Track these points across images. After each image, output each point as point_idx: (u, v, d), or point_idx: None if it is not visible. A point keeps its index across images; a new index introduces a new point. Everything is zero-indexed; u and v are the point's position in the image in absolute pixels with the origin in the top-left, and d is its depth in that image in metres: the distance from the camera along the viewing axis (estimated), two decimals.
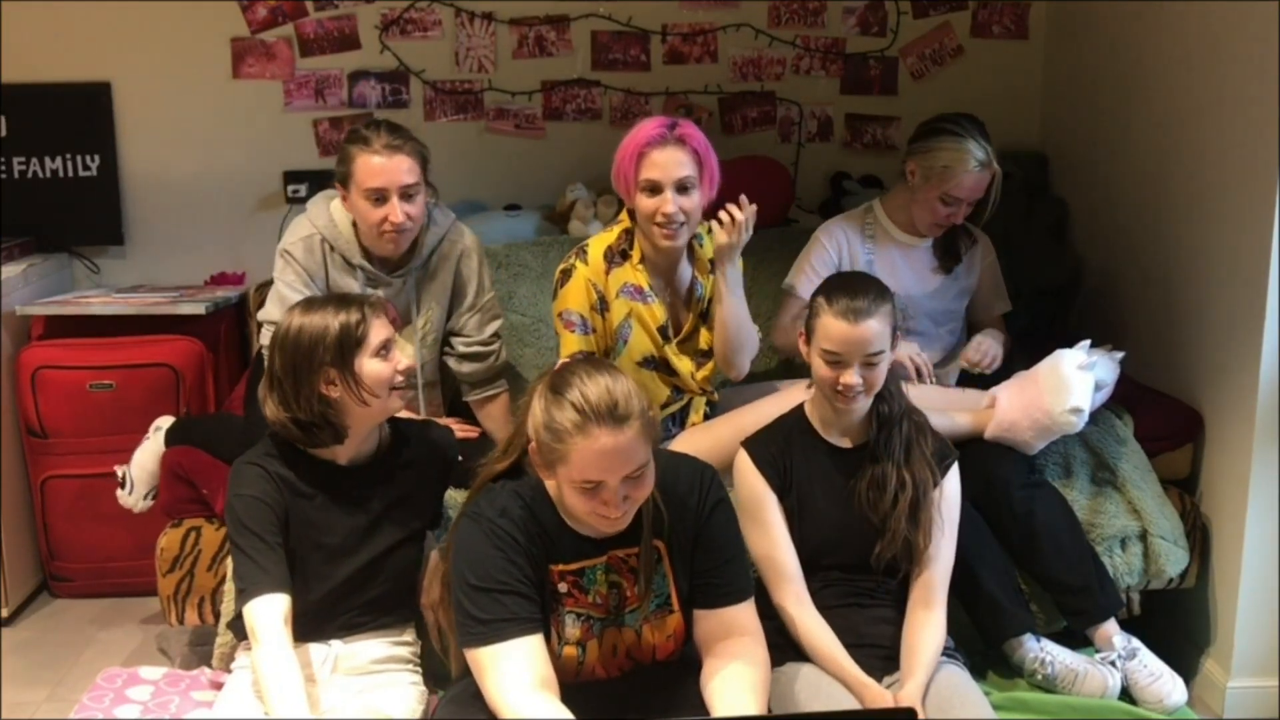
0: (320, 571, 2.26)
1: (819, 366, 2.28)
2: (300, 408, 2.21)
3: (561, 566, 2.03)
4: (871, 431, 2.32)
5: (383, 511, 2.31)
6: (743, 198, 2.58)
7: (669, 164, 2.58)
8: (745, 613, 2.09)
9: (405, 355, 2.25)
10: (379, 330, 2.23)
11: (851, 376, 2.23)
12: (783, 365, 3.25)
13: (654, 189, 2.59)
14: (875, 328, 2.22)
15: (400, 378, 2.24)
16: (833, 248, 2.92)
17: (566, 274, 2.70)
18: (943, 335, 2.98)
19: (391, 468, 2.34)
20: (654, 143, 2.58)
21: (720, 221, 2.59)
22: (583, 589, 2.05)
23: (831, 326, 2.24)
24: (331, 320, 2.21)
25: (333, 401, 2.21)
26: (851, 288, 2.28)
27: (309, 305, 2.28)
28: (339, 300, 2.26)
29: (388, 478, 2.32)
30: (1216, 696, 2.79)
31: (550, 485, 2.03)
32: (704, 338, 2.78)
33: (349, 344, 2.20)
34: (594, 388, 1.90)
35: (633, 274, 2.69)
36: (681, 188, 2.59)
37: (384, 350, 2.23)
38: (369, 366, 2.21)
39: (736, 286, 2.66)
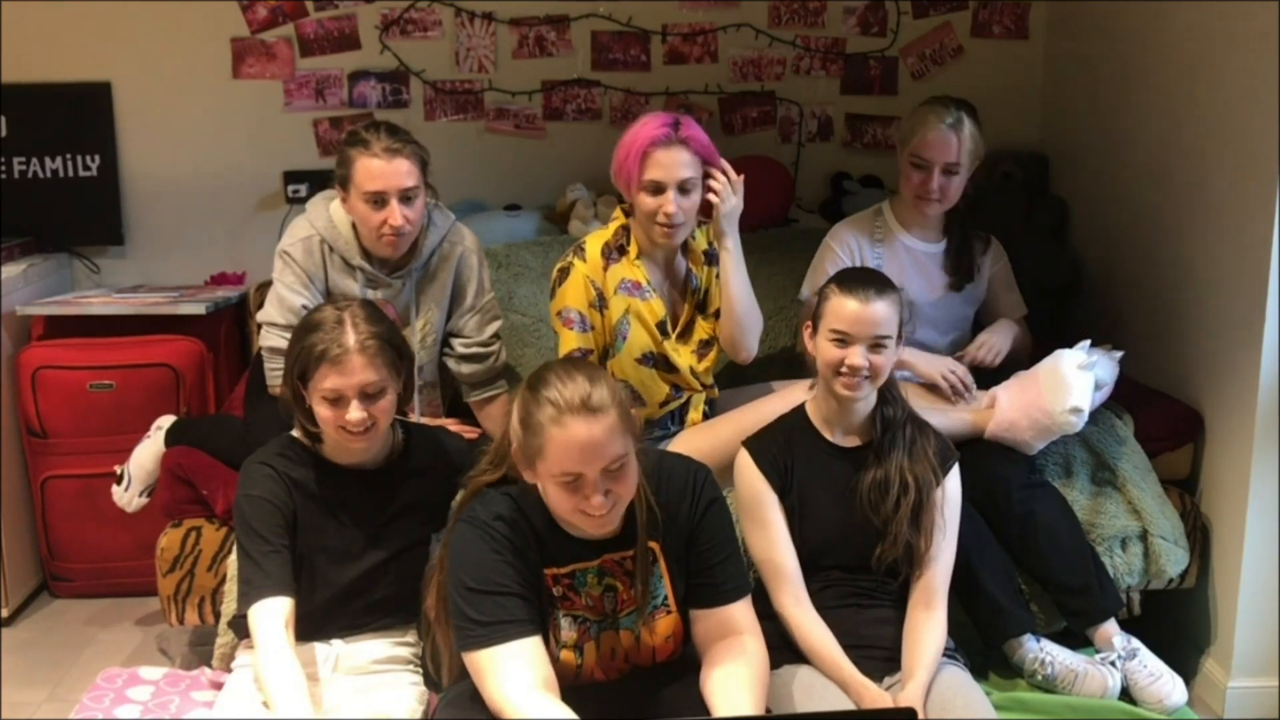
0: (326, 574, 2.26)
1: (826, 350, 2.28)
2: (286, 389, 2.26)
3: (555, 570, 2.04)
4: (875, 433, 2.32)
5: (391, 517, 2.31)
6: (722, 161, 2.65)
7: (673, 165, 2.58)
8: (742, 610, 2.09)
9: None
10: (332, 378, 2.17)
11: (858, 357, 2.23)
12: (783, 365, 3.25)
13: (657, 189, 2.60)
14: (884, 310, 2.24)
15: (349, 429, 2.19)
16: (844, 252, 2.91)
17: (564, 272, 2.71)
18: (946, 346, 2.97)
19: (402, 473, 2.34)
20: (658, 143, 2.59)
21: (715, 191, 2.64)
22: (575, 591, 2.05)
23: (841, 306, 2.26)
24: (297, 341, 2.23)
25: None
26: (864, 275, 2.33)
27: (311, 311, 2.32)
28: (323, 326, 2.21)
29: (398, 483, 2.33)
30: (1216, 696, 2.78)
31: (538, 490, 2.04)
32: (703, 328, 2.78)
33: (302, 372, 2.21)
34: (568, 381, 1.92)
35: (631, 270, 2.70)
36: (683, 188, 2.60)
37: (334, 400, 2.18)
38: (315, 404, 2.21)
39: (740, 260, 2.68)
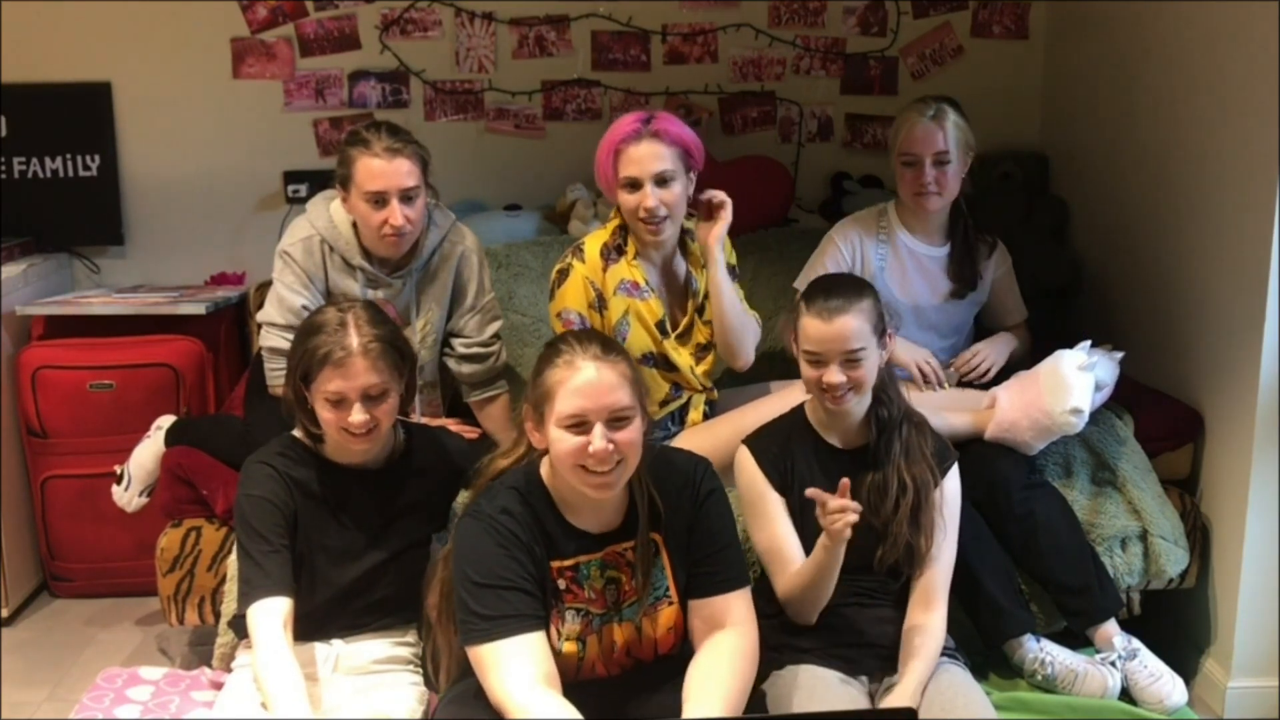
0: (326, 574, 2.26)
1: (804, 368, 2.28)
2: (289, 391, 2.27)
3: (559, 563, 2.04)
4: (871, 435, 2.32)
5: (392, 517, 2.32)
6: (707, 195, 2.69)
7: (645, 159, 2.58)
8: (738, 602, 2.09)
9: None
10: (335, 381, 2.17)
11: (833, 375, 2.22)
12: (782, 365, 3.25)
13: (633, 185, 2.61)
14: (852, 324, 2.22)
15: (351, 431, 2.19)
16: (847, 249, 2.91)
17: (563, 273, 2.71)
18: (945, 349, 2.97)
19: (403, 474, 2.34)
20: (629, 139, 2.60)
21: (705, 208, 2.68)
22: (578, 584, 2.06)
23: (808, 326, 2.25)
24: (300, 343, 2.23)
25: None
26: (827, 287, 2.29)
27: (313, 313, 2.32)
28: (326, 329, 2.21)
29: (399, 483, 2.33)
30: (1216, 696, 2.78)
31: (544, 470, 2.06)
32: (701, 332, 2.78)
33: (305, 374, 2.21)
34: (585, 337, 2.05)
35: (629, 270, 2.70)
36: (661, 181, 2.60)
37: (337, 402, 2.18)
38: (318, 406, 2.21)
39: (724, 274, 2.69)
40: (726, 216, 2.67)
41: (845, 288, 2.28)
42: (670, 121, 2.63)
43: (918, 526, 2.26)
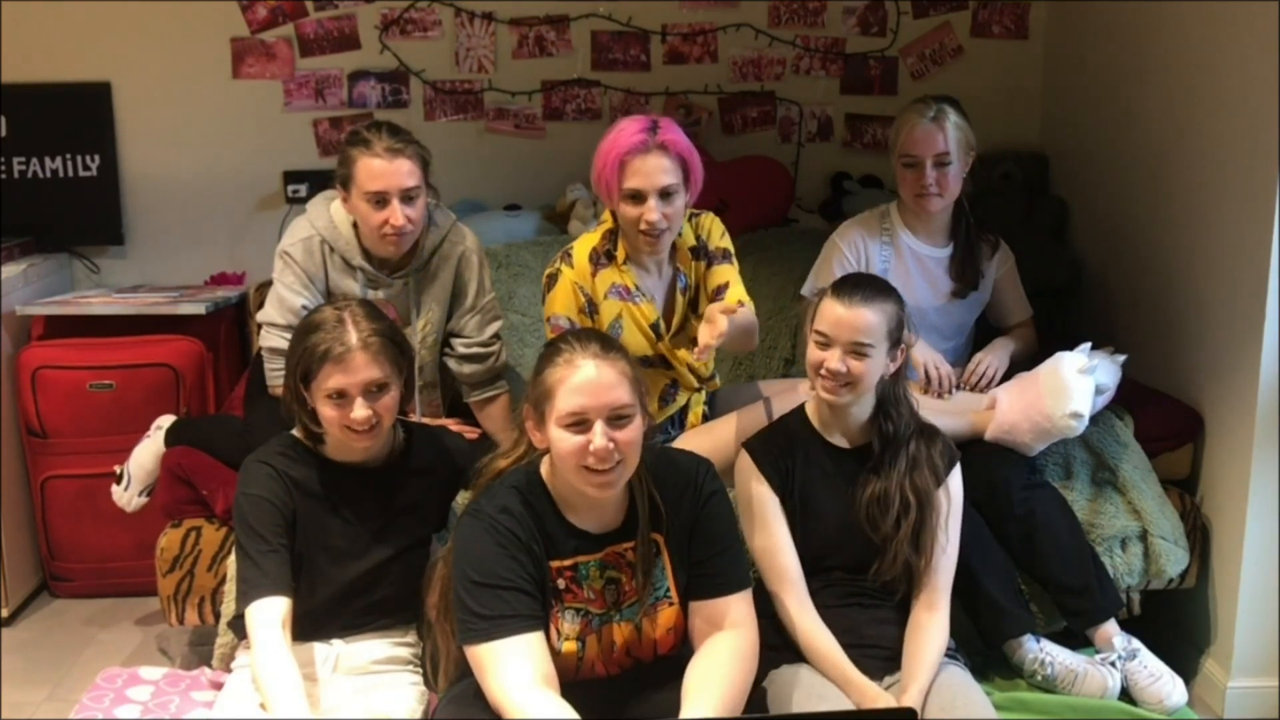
0: (326, 573, 2.26)
1: (810, 351, 2.28)
2: (289, 391, 2.27)
3: (558, 563, 2.05)
4: (875, 442, 2.31)
5: (392, 516, 2.32)
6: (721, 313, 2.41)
7: (652, 172, 2.54)
8: (739, 604, 2.09)
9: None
10: (336, 377, 2.17)
11: (835, 361, 2.22)
12: (782, 365, 3.25)
13: (637, 197, 2.57)
14: (869, 317, 2.22)
15: (354, 428, 2.19)
16: (851, 253, 2.90)
17: (552, 279, 2.69)
18: (947, 351, 2.96)
19: (403, 473, 2.34)
20: (635, 150, 2.54)
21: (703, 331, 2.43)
22: (578, 584, 2.06)
23: (827, 308, 2.25)
24: (298, 342, 2.23)
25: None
26: (857, 280, 2.31)
27: (310, 312, 2.32)
28: (324, 326, 2.21)
29: (399, 483, 2.33)
30: (1216, 696, 2.78)
31: (545, 469, 2.06)
32: (694, 328, 2.77)
33: (305, 372, 2.21)
34: (584, 335, 2.05)
35: (619, 275, 2.68)
36: (665, 194, 2.56)
37: (339, 399, 2.18)
38: (319, 404, 2.21)
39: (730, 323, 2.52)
40: (721, 329, 2.35)
41: (875, 286, 2.28)
42: (675, 131, 2.59)
43: (917, 547, 2.26)
